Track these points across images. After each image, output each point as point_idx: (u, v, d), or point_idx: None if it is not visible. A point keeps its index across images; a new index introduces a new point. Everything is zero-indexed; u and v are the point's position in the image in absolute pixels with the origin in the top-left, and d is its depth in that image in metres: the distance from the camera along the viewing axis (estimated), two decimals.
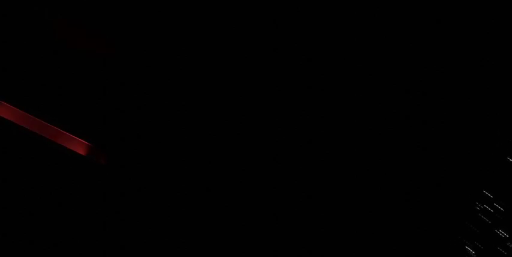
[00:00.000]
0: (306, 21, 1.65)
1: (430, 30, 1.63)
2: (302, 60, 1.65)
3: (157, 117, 1.74)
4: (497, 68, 1.61)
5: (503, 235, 1.57)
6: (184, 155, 1.71)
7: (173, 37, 1.65)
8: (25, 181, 1.71)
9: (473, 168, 1.60)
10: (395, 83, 1.64)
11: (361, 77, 1.65)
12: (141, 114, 1.76)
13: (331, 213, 1.61)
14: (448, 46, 1.63)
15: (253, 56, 1.66)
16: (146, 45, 1.66)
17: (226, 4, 1.64)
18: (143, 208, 1.69)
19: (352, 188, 1.62)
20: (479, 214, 1.58)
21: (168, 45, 1.65)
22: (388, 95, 1.64)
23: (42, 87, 1.74)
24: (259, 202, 1.63)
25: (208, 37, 1.66)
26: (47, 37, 1.63)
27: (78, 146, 1.81)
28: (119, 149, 1.79)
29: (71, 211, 1.73)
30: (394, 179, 1.61)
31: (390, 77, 1.64)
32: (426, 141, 1.62)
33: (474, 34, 1.62)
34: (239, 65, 1.65)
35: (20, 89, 1.74)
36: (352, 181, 1.62)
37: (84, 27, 1.65)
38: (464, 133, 1.61)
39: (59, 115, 1.78)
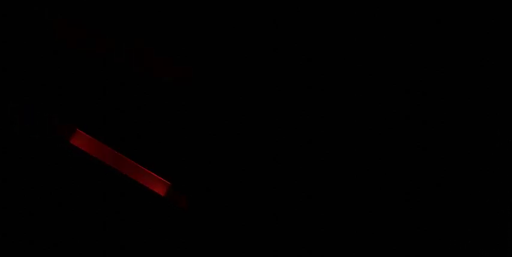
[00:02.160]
0: (306, 21, 1.66)
1: (430, 30, 1.63)
2: (302, 60, 1.66)
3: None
4: (497, 68, 1.62)
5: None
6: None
7: (174, 36, 1.65)
8: (95, 216, 1.59)
9: (473, 168, 1.60)
10: (395, 83, 1.64)
11: (361, 77, 1.65)
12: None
13: (331, 213, 1.61)
14: (448, 46, 1.63)
15: (253, 56, 1.66)
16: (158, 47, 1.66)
17: (224, 4, 1.65)
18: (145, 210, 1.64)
19: (352, 188, 1.62)
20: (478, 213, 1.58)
21: (169, 45, 1.66)
22: (388, 95, 1.64)
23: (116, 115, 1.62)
24: (259, 202, 1.63)
25: (207, 35, 1.66)
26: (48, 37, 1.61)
27: (157, 184, 1.65)
28: (200, 192, 1.64)
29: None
30: (394, 179, 1.61)
31: (390, 77, 1.65)
32: (426, 141, 1.62)
33: (474, 34, 1.63)
34: (240, 64, 1.66)
35: (87, 113, 1.61)
36: (352, 181, 1.63)
37: (84, 27, 1.65)
38: (464, 133, 1.62)
39: (135, 148, 1.62)
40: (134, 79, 1.61)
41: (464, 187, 1.60)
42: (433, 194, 1.60)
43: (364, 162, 1.63)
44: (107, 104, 1.67)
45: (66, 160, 1.61)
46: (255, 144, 1.60)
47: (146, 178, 1.64)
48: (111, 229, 1.59)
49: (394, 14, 1.63)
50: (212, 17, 1.63)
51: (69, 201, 1.59)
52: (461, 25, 1.63)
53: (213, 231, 1.60)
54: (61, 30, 1.63)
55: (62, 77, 1.66)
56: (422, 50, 1.64)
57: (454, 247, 1.56)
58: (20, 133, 1.55)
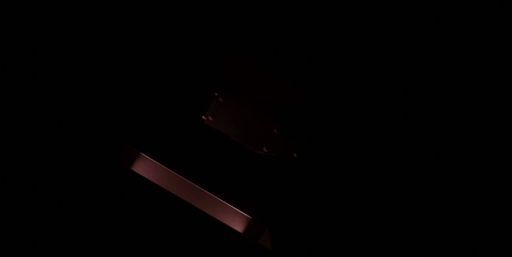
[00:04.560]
0: (306, 21, 1.66)
1: (430, 30, 1.63)
2: (302, 60, 1.66)
3: None
4: (498, 68, 1.62)
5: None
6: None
7: (176, 36, 1.65)
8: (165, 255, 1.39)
9: (473, 168, 1.60)
10: (395, 83, 1.64)
11: (361, 77, 1.65)
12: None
13: (331, 213, 1.61)
14: (448, 46, 1.64)
15: (252, 55, 1.66)
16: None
17: (222, 3, 1.65)
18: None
19: (352, 188, 1.62)
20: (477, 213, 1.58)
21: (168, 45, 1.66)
22: (388, 95, 1.64)
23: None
24: (259, 201, 1.63)
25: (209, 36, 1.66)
26: None
27: (235, 218, 1.45)
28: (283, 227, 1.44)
29: None
30: (394, 179, 1.61)
31: (390, 77, 1.65)
32: (426, 141, 1.62)
33: (474, 34, 1.63)
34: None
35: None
36: (352, 180, 1.62)
37: None
38: (464, 133, 1.62)
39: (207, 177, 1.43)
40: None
41: (464, 187, 1.60)
42: (433, 194, 1.60)
43: (364, 162, 1.63)
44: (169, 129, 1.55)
45: (129, 188, 1.45)
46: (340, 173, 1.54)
47: (222, 212, 1.47)
48: None
49: (394, 14, 1.63)
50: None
51: (137, 237, 1.44)
52: (461, 25, 1.63)
53: None
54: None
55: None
56: (422, 50, 1.64)
57: (454, 247, 1.56)
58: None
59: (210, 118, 1.54)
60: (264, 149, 1.53)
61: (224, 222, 1.46)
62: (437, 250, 1.57)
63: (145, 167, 1.51)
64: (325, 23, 1.65)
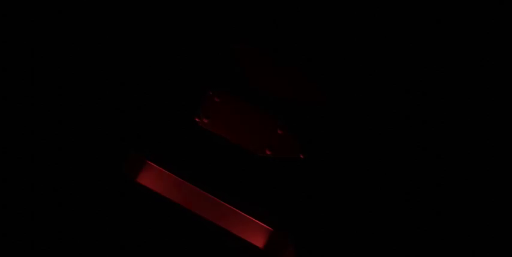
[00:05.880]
0: (306, 21, 1.65)
1: (430, 30, 1.63)
2: (302, 60, 1.66)
3: None
4: (498, 68, 1.62)
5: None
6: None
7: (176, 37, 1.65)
8: None
9: (473, 168, 1.60)
10: (395, 83, 1.64)
11: (361, 77, 1.65)
12: None
13: (332, 213, 1.61)
14: (448, 46, 1.63)
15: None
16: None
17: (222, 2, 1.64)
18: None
19: (352, 188, 1.62)
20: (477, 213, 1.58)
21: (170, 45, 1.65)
22: (388, 95, 1.64)
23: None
24: (260, 201, 1.63)
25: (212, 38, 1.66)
26: None
27: (254, 231, 1.28)
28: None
29: None
30: (394, 179, 1.61)
31: (390, 77, 1.65)
32: (426, 141, 1.62)
33: (474, 34, 1.63)
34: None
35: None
36: (352, 181, 1.62)
37: None
38: (464, 133, 1.62)
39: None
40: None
41: (465, 187, 1.60)
42: (433, 194, 1.60)
43: (364, 162, 1.63)
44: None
45: (133, 199, 1.36)
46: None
47: (241, 224, 1.32)
48: None
49: (394, 14, 1.63)
50: None
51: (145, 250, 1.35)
52: (461, 25, 1.63)
53: None
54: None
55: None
56: (422, 50, 1.64)
57: (454, 247, 1.56)
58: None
59: (204, 120, 1.45)
60: (267, 152, 1.47)
61: (241, 236, 1.36)
62: (437, 250, 1.57)
63: (149, 177, 1.43)
64: (324, 23, 1.65)
